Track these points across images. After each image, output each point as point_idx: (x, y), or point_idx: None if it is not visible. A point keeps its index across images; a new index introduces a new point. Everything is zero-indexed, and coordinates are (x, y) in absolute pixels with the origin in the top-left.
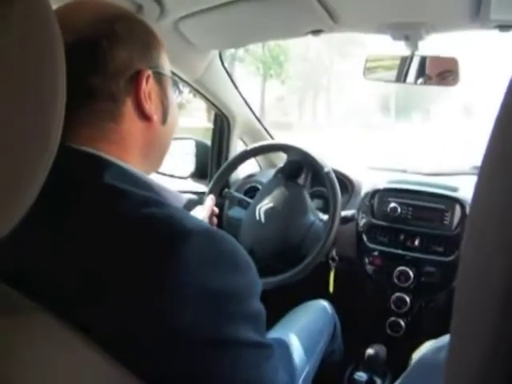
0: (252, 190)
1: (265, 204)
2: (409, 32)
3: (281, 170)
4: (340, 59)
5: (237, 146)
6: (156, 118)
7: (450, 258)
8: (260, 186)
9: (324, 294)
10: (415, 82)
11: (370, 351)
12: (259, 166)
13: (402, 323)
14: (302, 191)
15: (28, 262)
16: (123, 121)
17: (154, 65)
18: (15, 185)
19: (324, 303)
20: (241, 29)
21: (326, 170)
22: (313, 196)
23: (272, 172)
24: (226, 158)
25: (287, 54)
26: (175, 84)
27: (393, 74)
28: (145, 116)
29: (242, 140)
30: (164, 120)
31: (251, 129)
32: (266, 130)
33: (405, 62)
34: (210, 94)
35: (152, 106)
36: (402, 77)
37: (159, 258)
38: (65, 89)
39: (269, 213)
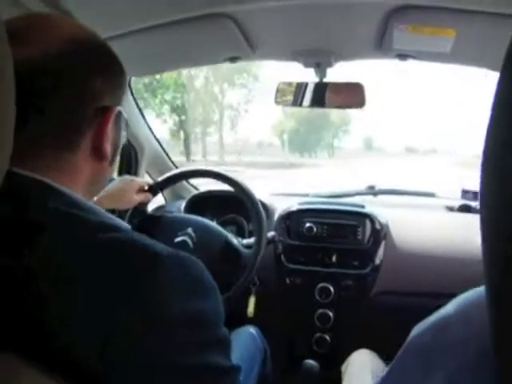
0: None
1: (186, 233)
2: (319, 59)
3: (191, 202)
4: (230, 89)
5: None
6: (108, 157)
7: (366, 271)
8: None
9: (245, 318)
10: (311, 106)
11: (303, 368)
12: (164, 198)
13: (328, 338)
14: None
15: None
16: (78, 154)
17: (119, 102)
18: None
19: (251, 329)
20: (156, 55)
21: (255, 206)
22: (224, 223)
23: (180, 203)
24: None
25: (170, 83)
26: None
27: (294, 99)
28: (99, 154)
29: (148, 173)
30: (112, 160)
31: (158, 161)
32: (173, 163)
33: (301, 88)
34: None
35: (108, 146)
36: (298, 101)
37: (128, 285)
38: (14, 112)
39: (193, 241)
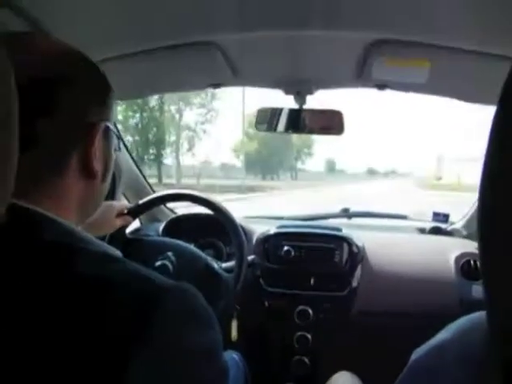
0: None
1: (166, 257)
2: (300, 88)
3: (169, 225)
4: (188, 109)
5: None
6: (99, 175)
7: (344, 293)
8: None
9: (227, 343)
10: (286, 132)
11: None
12: (140, 221)
13: (307, 361)
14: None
15: None
16: (67, 176)
17: (107, 118)
18: None
19: (232, 354)
20: (139, 80)
21: (235, 229)
22: (203, 246)
23: (157, 226)
24: None
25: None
26: None
27: (269, 124)
28: (89, 173)
29: (125, 196)
30: (104, 177)
31: (136, 184)
32: (150, 186)
33: (275, 114)
34: None
35: (97, 163)
36: (272, 127)
37: (133, 318)
38: (16, 134)
39: (173, 266)
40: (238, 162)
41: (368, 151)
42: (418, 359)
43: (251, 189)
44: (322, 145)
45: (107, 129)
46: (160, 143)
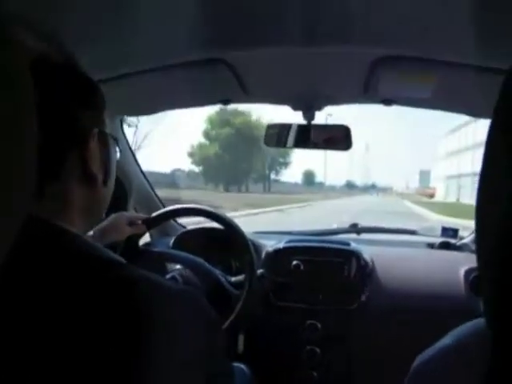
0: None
1: (176, 269)
2: (308, 104)
3: (179, 239)
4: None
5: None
6: (99, 179)
7: (353, 307)
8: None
9: (235, 356)
10: (295, 147)
11: None
12: (150, 235)
13: (316, 375)
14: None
15: None
16: (66, 182)
17: (99, 123)
18: None
19: (240, 366)
20: (149, 97)
21: (244, 243)
22: (212, 260)
23: (167, 240)
24: None
25: None
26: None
27: (278, 139)
28: (89, 177)
29: (135, 210)
30: (106, 181)
31: (146, 199)
32: (160, 201)
33: (284, 130)
34: None
35: (96, 167)
36: (281, 142)
37: (144, 321)
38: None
39: (184, 279)
40: (196, 169)
41: (347, 164)
42: (420, 364)
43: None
44: (300, 155)
45: (103, 134)
46: None
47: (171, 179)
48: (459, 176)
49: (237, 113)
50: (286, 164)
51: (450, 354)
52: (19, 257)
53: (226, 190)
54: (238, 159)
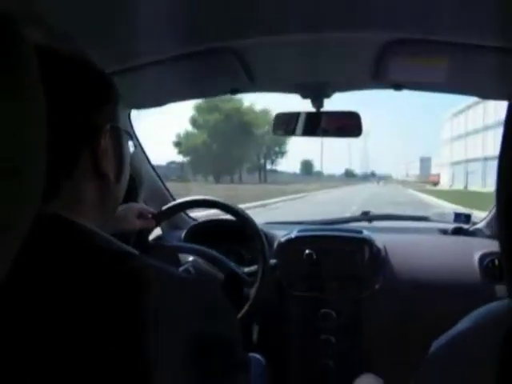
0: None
1: (189, 261)
2: (317, 91)
3: (191, 232)
4: None
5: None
6: (111, 176)
7: (366, 295)
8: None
9: (249, 345)
10: (304, 135)
11: None
12: (162, 229)
13: (331, 364)
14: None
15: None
16: (77, 178)
17: (112, 118)
18: None
19: (255, 356)
20: (157, 89)
21: (257, 234)
22: (224, 252)
23: (179, 233)
24: None
25: None
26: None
27: (287, 127)
28: (101, 174)
29: (146, 204)
30: (119, 178)
31: (157, 193)
32: (171, 195)
33: (293, 118)
34: None
35: (108, 164)
36: (290, 130)
37: (158, 310)
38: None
39: (197, 270)
40: (184, 160)
41: (346, 154)
42: (437, 349)
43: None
44: (297, 145)
45: (115, 129)
46: None
47: (165, 172)
48: (466, 161)
49: (226, 98)
50: (282, 153)
51: (466, 339)
52: (33, 251)
53: (217, 181)
54: (228, 148)
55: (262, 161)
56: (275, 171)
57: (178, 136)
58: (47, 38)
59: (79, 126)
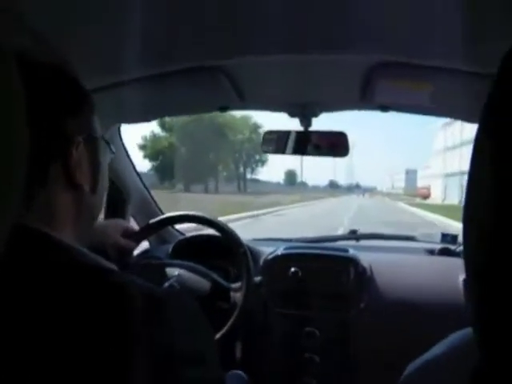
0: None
1: (174, 276)
2: (305, 110)
3: (177, 247)
4: None
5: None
6: (86, 187)
7: (351, 314)
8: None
9: (232, 362)
10: (294, 154)
11: None
12: (149, 242)
13: (315, 383)
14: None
15: None
16: (49, 188)
17: (85, 128)
18: None
19: (238, 373)
20: (148, 104)
21: (242, 250)
22: (210, 268)
23: (166, 248)
24: None
25: None
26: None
27: (277, 146)
28: (74, 185)
29: (134, 217)
30: (94, 188)
31: (145, 207)
32: (159, 209)
33: (283, 137)
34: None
35: (82, 175)
36: (280, 149)
37: (135, 326)
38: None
39: (181, 285)
40: (146, 164)
41: (329, 163)
42: (410, 373)
43: None
44: (279, 155)
45: (90, 139)
46: None
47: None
48: (462, 173)
49: None
50: (262, 162)
51: (439, 364)
52: (8, 265)
53: (187, 189)
54: (199, 152)
55: (242, 169)
56: (257, 181)
57: (144, 138)
58: (24, 39)
59: (49, 135)
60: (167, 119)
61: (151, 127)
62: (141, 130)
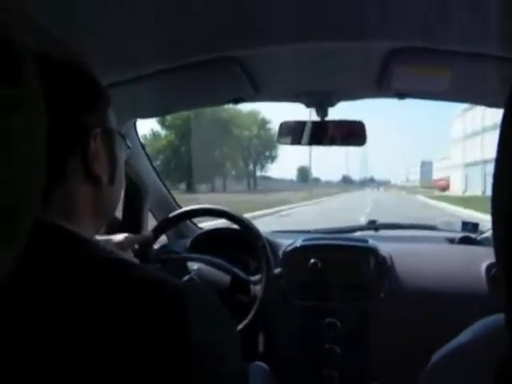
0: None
1: (193, 270)
2: (321, 100)
3: (196, 241)
4: None
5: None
6: (104, 178)
7: (371, 304)
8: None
9: (254, 355)
10: (310, 144)
11: None
12: (167, 237)
13: (336, 374)
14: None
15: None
16: (68, 182)
17: (102, 121)
18: None
19: (260, 364)
20: (161, 98)
21: (261, 243)
22: (230, 261)
23: (184, 242)
24: (138, 230)
25: None
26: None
27: (293, 137)
28: (92, 177)
29: (152, 212)
30: (112, 180)
31: (162, 201)
32: (177, 204)
33: (299, 127)
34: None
35: (100, 166)
36: (296, 140)
37: (155, 320)
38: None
39: (201, 279)
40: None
41: (344, 159)
42: (436, 361)
43: None
44: (291, 151)
45: (107, 132)
46: None
47: None
48: (484, 162)
49: None
50: (272, 158)
51: (465, 352)
52: (28, 261)
53: (191, 189)
54: (202, 150)
55: (251, 166)
56: (268, 178)
57: (144, 137)
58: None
59: (67, 129)
60: (167, 116)
61: (151, 125)
62: (140, 129)
